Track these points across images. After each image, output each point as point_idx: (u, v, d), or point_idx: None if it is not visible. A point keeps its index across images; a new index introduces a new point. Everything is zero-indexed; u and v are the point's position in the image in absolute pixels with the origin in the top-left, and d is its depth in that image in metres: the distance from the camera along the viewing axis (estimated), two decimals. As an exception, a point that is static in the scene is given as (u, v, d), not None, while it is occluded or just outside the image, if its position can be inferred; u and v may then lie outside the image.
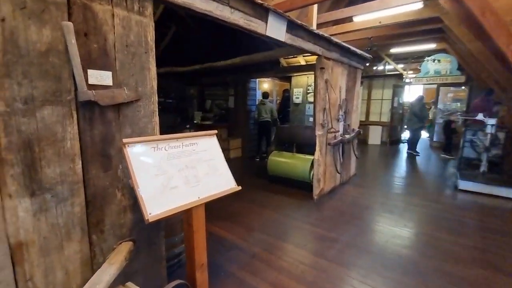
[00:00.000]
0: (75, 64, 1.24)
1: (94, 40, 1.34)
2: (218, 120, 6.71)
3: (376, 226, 2.99)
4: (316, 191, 3.68)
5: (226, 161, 1.82)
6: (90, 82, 1.34)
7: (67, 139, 1.31)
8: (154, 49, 1.60)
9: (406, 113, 8.18)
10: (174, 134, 1.62)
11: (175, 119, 6.14)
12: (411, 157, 6.70)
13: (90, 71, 1.33)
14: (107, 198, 1.48)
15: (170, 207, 1.43)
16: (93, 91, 1.33)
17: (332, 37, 3.44)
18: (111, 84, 1.42)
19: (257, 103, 6.35)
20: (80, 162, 1.36)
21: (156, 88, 1.64)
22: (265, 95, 5.84)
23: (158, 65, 1.70)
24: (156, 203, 1.39)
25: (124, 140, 1.40)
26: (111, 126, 1.46)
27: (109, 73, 1.41)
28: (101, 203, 1.47)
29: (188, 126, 6.07)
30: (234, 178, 1.81)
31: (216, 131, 1.89)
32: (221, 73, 6.22)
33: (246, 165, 5.85)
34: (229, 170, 1.82)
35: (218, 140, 1.89)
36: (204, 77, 6.88)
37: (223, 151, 1.85)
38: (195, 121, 6.55)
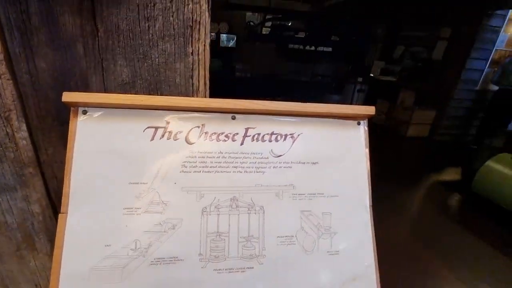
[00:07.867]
0: None
1: None
2: (407, 77, 4.64)
3: None
4: None
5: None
6: None
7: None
8: None
9: None
10: (232, 101, 0.54)
11: (345, 68, 4.75)
12: None
13: None
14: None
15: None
16: None
17: None
18: None
19: (506, 61, 3.61)
20: (25, 126, 0.61)
21: None
22: None
23: None
24: None
25: (67, 97, 0.49)
26: (76, 52, 0.58)
27: None
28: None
29: (360, 79, 4.61)
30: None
31: (371, 112, 0.62)
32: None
33: (433, 152, 3.82)
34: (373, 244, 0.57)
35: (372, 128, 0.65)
36: (400, 8, 4.71)
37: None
38: (371, 74, 4.86)
